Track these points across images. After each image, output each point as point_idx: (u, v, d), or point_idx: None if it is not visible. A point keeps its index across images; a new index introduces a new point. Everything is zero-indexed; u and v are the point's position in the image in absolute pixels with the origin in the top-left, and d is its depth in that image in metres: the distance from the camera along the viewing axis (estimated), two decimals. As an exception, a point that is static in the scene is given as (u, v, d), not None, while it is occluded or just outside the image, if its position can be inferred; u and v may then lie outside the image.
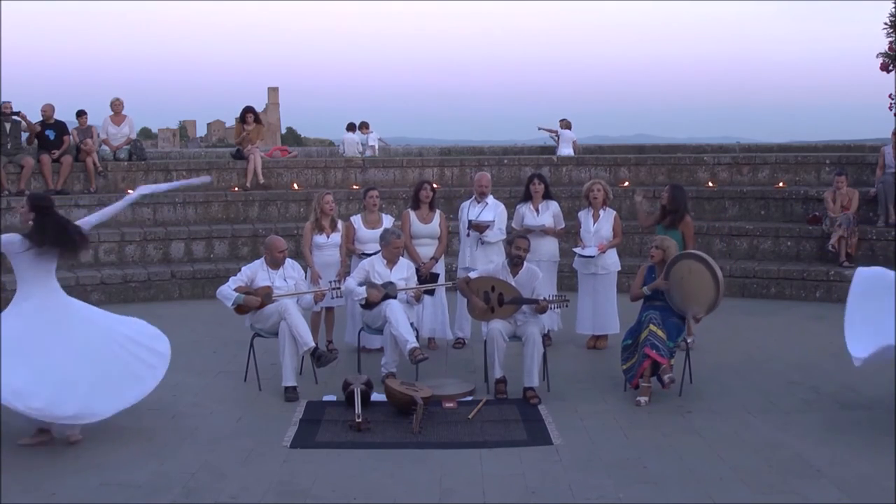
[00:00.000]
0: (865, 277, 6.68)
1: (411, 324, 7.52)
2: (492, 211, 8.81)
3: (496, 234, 8.67)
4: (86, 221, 6.57)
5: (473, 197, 8.99)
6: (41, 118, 13.05)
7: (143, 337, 6.56)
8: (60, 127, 13.07)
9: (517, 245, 7.41)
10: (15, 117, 12.78)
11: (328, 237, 8.49)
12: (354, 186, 13.69)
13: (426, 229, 8.71)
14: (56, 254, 6.19)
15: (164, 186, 8.48)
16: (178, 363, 8.20)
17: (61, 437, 6.03)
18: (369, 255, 8.22)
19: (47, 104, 13.18)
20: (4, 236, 6.07)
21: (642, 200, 9.41)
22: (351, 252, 8.62)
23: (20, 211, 6.30)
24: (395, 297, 7.51)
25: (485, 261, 8.35)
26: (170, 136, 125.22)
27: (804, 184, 13.38)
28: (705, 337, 8.75)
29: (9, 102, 12.84)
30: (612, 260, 8.84)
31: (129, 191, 6.95)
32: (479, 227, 8.64)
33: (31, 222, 6.15)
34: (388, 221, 8.73)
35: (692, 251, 7.64)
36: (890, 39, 13.69)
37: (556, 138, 18.18)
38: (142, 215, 12.68)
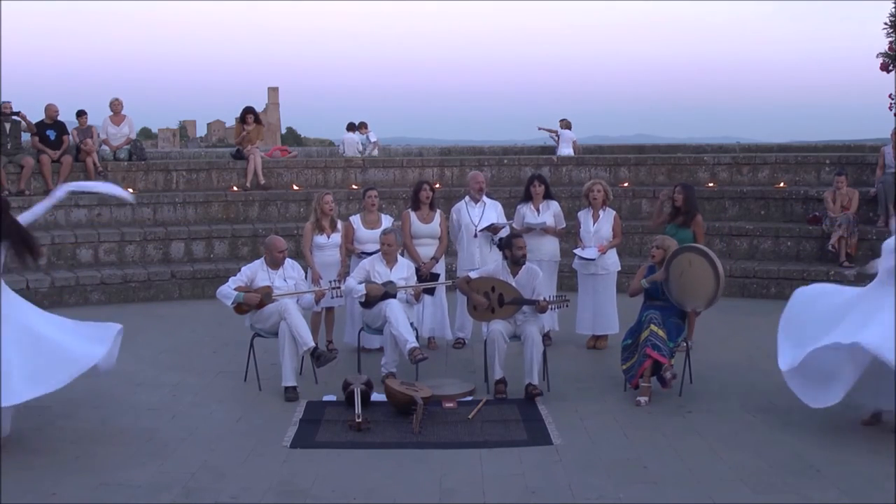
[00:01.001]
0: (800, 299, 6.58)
1: (411, 323, 7.52)
2: (493, 210, 8.83)
3: (505, 232, 8.67)
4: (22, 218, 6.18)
5: (468, 197, 8.98)
6: (45, 116, 13.05)
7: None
8: (60, 127, 13.08)
9: (517, 245, 7.41)
10: (15, 117, 12.79)
11: (329, 237, 8.49)
12: (354, 186, 13.68)
13: (427, 229, 8.71)
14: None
15: (90, 185, 7.28)
16: (178, 363, 8.26)
17: None
18: (369, 254, 8.22)
19: (51, 104, 13.20)
20: None
21: (669, 199, 8.84)
22: (350, 252, 8.62)
23: None
24: (394, 296, 7.52)
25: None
26: (170, 136, 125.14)
27: (804, 184, 13.37)
28: (705, 337, 8.75)
29: (9, 102, 12.86)
30: (612, 260, 8.83)
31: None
32: (495, 229, 8.64)
33: None
34: (387, 221, 8.73)
35: (693, 245, 7.62)
36: (890, 39, 13.70)
37: (556, 138, 18.17)
38: (142, 215, 12.68)
